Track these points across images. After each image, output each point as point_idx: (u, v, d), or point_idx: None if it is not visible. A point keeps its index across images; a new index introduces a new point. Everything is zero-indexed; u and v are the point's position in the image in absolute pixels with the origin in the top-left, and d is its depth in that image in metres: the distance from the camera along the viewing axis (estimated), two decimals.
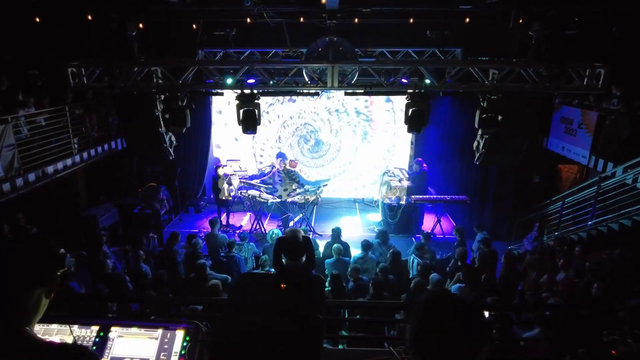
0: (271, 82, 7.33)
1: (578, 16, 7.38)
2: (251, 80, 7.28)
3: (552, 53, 7.17)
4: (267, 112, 12.25)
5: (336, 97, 11.98)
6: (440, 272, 6.57)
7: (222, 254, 7.23)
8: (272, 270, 6.29)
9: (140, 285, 6.30)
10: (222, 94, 8.09)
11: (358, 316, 5.10)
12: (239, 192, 11.02)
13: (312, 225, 10.41)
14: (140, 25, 7.60)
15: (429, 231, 9.92)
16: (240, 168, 12.35)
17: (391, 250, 6.93)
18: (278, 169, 10.55)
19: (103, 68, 7.25)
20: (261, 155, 12.73)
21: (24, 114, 7.97)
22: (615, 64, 7.29)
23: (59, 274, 1.40)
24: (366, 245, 7.13)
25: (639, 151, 7.44)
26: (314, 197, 10.25)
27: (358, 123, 12.36)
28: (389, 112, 12.20)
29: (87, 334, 2.22)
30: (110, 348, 2.17)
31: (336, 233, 7.70)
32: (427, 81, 7.27)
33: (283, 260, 2.39)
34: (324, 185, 11.16)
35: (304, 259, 2.38)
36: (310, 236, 6.92)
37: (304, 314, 2.04)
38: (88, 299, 4.55)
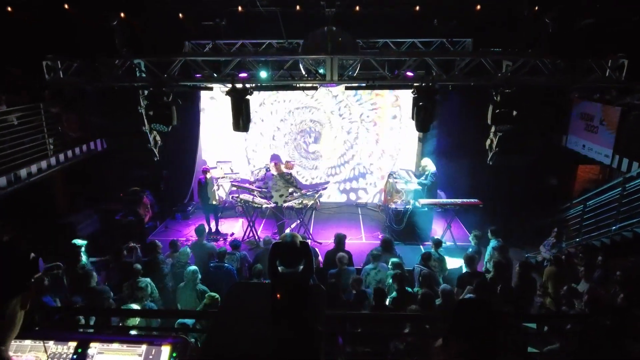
0: (265, 75, 7.34)
1: (597, 3, 7.41)
2: (243, 74, 7.29)
3: (569, 43, 7.20)
4: (262, 106, 12.27)
5: (336, 91, 12.01)
6: (450, 282, 6.56)
7: (211, 264, 7.21)
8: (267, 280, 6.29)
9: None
10: (211, 89, 8.10)
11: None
12: (230, 196, 11.01)
13: (311, 232, 10.40)
14: (122, 15, 7.61)
15: (439, 237, 9.94)
16: (232, 170, 12.34)
17: (391, 261, 6.92)
18: (272, 173, 10.53)
19: (81, 61, 7.26)
20: (256, 166, 12.73)
21: None
22: (638, 54, 7.32)
23: (32, 280, 1.38)
24: (376, 256, 7.16)
25: None
26: (312, 202, 10.23)
27: (361, 120, 12.38)
28: (394, 106, 12.23)
29: (63, 351, 2.20)
30: None
31: (339, 240, 7.69)
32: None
33: (279, 268, 2.37)
34: (323, 189, 11.15)
35: (301, 266, 2.36)
36: (309, 244, 6.91)
37: (302, 326, 2.03)
38: (63, 312, 4.53)
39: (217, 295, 5.73)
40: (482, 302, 1.80)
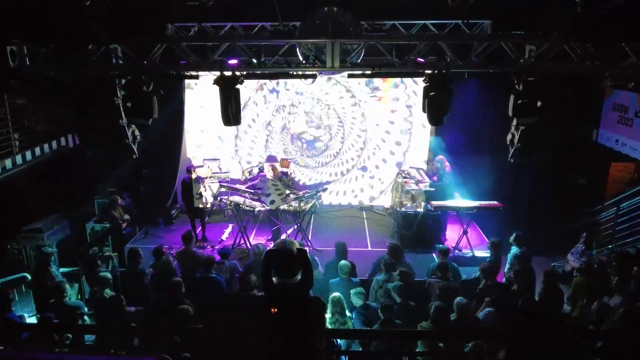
0: (254, 61, 7.35)
1: None
2: (233, 61, 7.30)
3: (600, 25, 7.19)
4: (253, 101, 12.30)
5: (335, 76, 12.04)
6: (466, 294, 6.58)
7: (198, 275, 7.22)
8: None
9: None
10: (197, 77, 8.12)
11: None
12: (219, 198, 11.02)
13: (309, 238, 10.41)
14: None
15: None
16: (220, 169, 12.35)
17: (398, 270, 6.96)
18: (267, 177, 10.54)
19: (51, 47, 7.26)
20: (249, 164, 12.74)
21: None
22: None
23: None
24: (390, 265, 7.19)
25: None
26: (311, 205, 10.24)
27: (365, 111, 12.40)
28: (402, 97, 12.25)
29: None
30: None
31: (340, 248, 7.72)
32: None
33: (274, 278, 2.38)
34: (323, 190, 11.16)
35: (299, 276, 2.37)
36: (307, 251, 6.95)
37: (300, 344, 2.04)
38: (30, 329, 4.54)
39: (188, 307, 5.75)
40: (544, 316, 1.79)
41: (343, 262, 7.16)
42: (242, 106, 7.61)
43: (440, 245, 8.32)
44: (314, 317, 2.29)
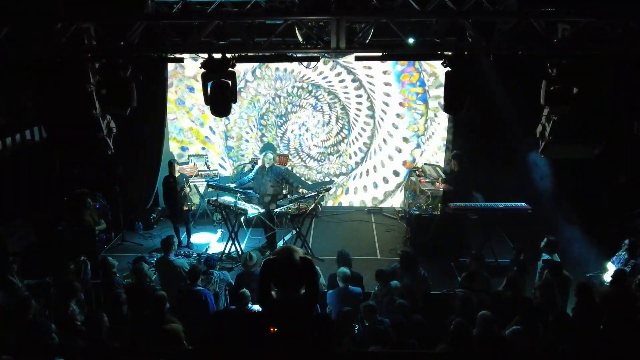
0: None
1: None
2: (222, 42, 7.29)
3: None
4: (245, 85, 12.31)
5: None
6: (492, 309, 6.56)
7: (181, 287, 7.20)
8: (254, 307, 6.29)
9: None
10: (181, 61, 8.11)
11: None
12: (206, 200, 11.01)
13: (310, 245, 10.40)
14: None
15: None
16: (208, 167, 12.34)
17: (402, 283, 6.97)
18: (263, 166, 10.51)
19: (11, 26, 7.22)
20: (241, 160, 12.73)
21: None
22: None
23: None
24: (385, 276, 7.18)
25: None
26: (312, 207, 10.23)
27: (372, 98, 12.39)
28: (416, 82, 12.25)
29: None
30: None
31: (343, 257, 7.75)
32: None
33: (273, 292, 2.35)
34: (326, 190, 11.15)
35: (302, 289, 2.35)
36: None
37: None
38: None
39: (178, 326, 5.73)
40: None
41: (342, 268, 7.21)
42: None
43: (476, 253, 8.30)
44: (321, 337, 2.26)
